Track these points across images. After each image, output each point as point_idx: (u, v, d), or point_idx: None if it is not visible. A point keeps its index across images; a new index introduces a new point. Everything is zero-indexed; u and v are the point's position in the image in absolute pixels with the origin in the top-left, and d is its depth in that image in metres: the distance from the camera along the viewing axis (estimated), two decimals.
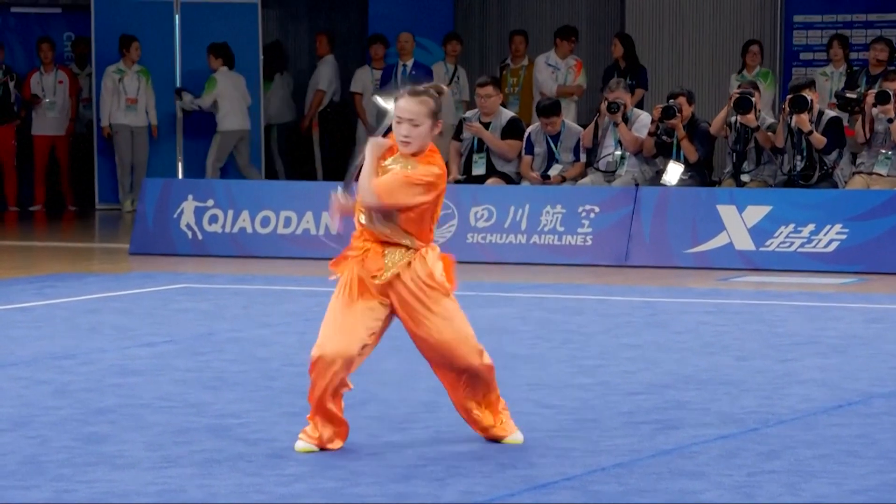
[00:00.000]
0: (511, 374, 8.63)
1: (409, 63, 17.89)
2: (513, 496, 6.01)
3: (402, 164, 6.57)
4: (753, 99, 14.24)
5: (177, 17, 19.76)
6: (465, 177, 15.18)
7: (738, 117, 14.28)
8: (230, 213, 15.09)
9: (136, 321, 10.65)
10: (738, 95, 14.27)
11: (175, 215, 15.17)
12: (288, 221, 15.01)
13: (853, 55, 17.41)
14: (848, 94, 14.73)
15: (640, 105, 15.55)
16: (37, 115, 19.65)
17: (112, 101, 18.99)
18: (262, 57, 19.52)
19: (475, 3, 20.17)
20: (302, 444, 6.68)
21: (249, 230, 15.06)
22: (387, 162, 6.61)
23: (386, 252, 6.62)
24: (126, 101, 19.05)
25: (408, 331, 6.76)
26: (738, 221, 13.69)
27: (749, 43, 17.46)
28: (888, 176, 14.10)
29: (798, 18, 18.57)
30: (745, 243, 13.63)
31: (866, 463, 6.52)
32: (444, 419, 7.44)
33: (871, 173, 14.15)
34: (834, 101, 15.38)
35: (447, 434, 7.10)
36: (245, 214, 15.05)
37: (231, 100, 18.83)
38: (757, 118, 14.27)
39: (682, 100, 14.52)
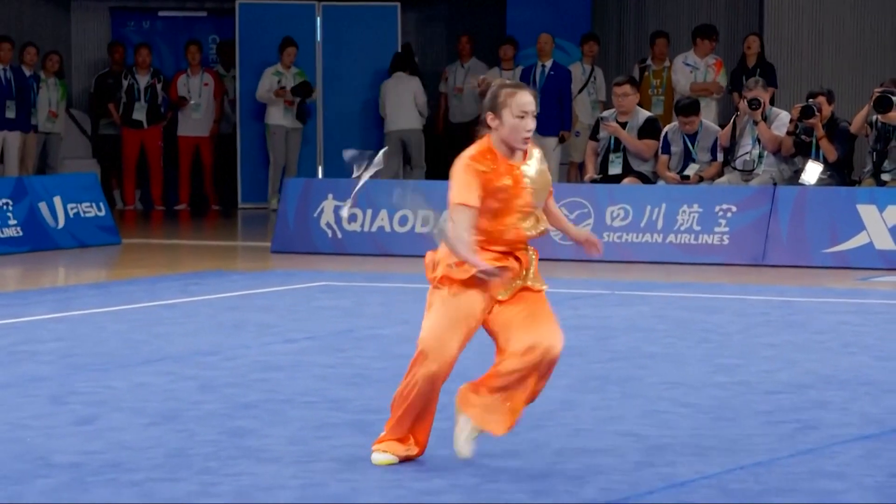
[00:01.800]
0: (648, 373, 8.58)
1: (548, 64, 17.86)
2: (651, 494, 5.97)
3: (541, 162, 6.46)
4: (894, 97, 13.98)
5: (318, 19, 19.93)
6: (601, 176, 15.11)
7: (879, 116, 14.04)
8: (369, 212, 15.18)
9: (277, 318, 10.75)
10: (878, 94, 14.02)
11: (315, 214, 15.30)
12: (425, 221, 15.05)
13: None
14: None
15: (771, 103, 15.35)
16: (183, 117, 19.93)
17: (270, 102, 19.22)
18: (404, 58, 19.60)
19: (612, 4, 20.07)
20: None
21: (388, 229, 15.14)
22: (530, 163, 6.41)
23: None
24: (284, 102, 19.26)
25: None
26: (878, 221, 13.46)
27: None
28: None
29: None
30: (885, 243, 13.39)
31: None
32: (581, 417, 7.40)
33: None
34: None
35: (585, 432, 7.07)
36: (384, 213, 15.14)
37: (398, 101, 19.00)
38: None
39: (821, 99, 14.32)
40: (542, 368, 6.30)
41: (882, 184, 14.06)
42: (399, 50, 19.64)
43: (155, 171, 19.98)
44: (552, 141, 17.54)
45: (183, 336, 9.95)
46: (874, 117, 14.12)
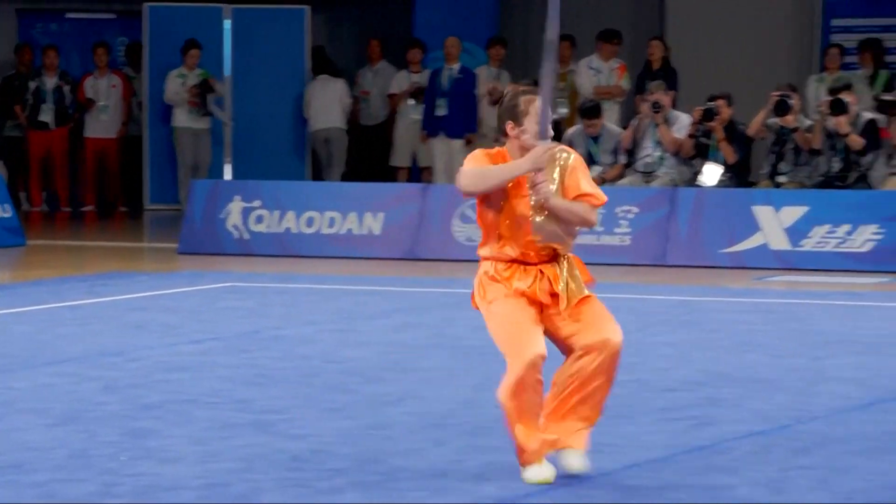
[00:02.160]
0: (549, 371, 8.63)
1: (455, 67, 17.91)
2: (549, 491, 6.01)
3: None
4: (791, 101, 14.19)
5: (227, 22, 19.84)
6: None
7: (777, 119, 14.23)
8: (276, 213, 15.16)
9: (183, 319, 10.71)
10: (777, 98, 14.21)
11: (222, 216, 15.24)
12: (332, 222, 15.06)
13: (892, 59, 17.30)
14: (885, 97, 14.66)
15: (673, 107, 15.51)
16: (90, 119, 19.77)
17: (176, 105, 19.10)
18: (308, 61, 19.57)
19: (518, 8, 20.16)
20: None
21: (294, 230, 15.12)
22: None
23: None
24: (188, 104, 19.14)
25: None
26: (774, 222, 13.64)
27: (829, 46, 17.37)
28: None
29: (836, 22, 18.46)
30: (780, 243, 13.58)
31: None
32: (483, 416, 7.45)
33: None
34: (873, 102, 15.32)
35: (486, 430, 7.11)
36: (290, 215, 15.12)
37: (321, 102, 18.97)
38: (795, 119, 14.23)
39: (720, 102, 14.48)
40: (605, 364, 6.09)
41: (778, 185, 14.25)
42: (311, 52, 19.61)
43: (61, 172, 19.80)
44: (459, 143, 17.60)
45: (87, 337, 9.88)
46: (772, 120, 14.32)
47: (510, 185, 6.11)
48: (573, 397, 6.14)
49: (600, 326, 6.17)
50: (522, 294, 6.15)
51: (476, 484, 6.12)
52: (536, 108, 6.08)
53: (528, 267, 6.19)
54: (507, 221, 6.16)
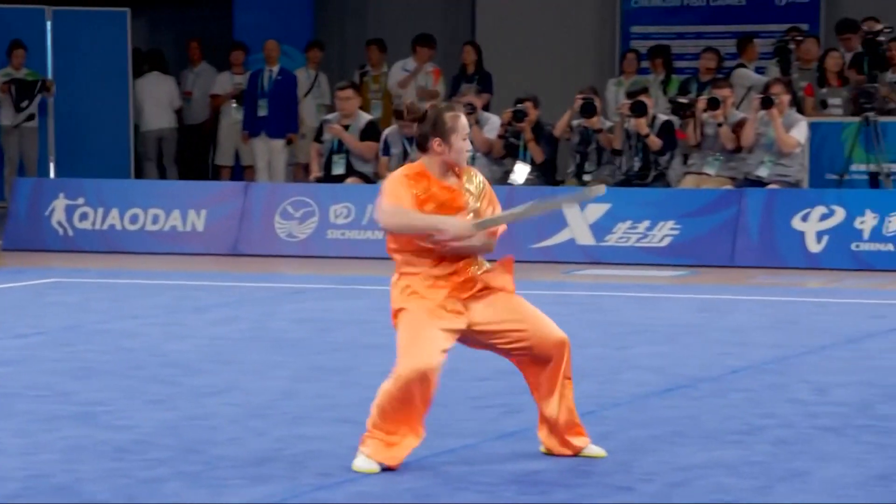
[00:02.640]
0: (367, 363, 8.65)
1: (275, 69, 17.79)
2: (366, 478, 6.01)
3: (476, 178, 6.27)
4: (596, 103, 14.40)
5: (48, 24, 19.43)
6: (323, 174, 15.15)
7: (583, 121, 14.42)
8: (100, 210, 14.93)
9: (6, 314, 10.47)
10: (582, 100, 14.39)
11: (47, 213, 14.95)
12: (156, 219, 14.88)
13: (685, 64, 17.66)
14: (680, 100, 14.95)
15: (486, 109, 15.62)
16: None
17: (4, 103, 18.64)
18: (131, 62, 19.27)
19: (334, 12, 20.12)
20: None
21: (119, 227, 14.90)
22: (471, 179, 6.18)
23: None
24: (11, 105, 18.66)
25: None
26: (580, 218, 13.84)
27: (627, 52, 17.66)
28: (717, 176, 14.33)
29: (635, 29, 18.80)
30: (586, 238, 13.78)
31: (693, 442, 6.63)
32: (302, 405, 7.41)
33: (700, 173, 14.37)
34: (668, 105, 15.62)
35: (305, 419, 7.08)
36: (115, 212, 14.90)
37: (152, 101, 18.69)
38: (599, 121, 14.44)
39: (528, 104, 14.62)
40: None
41: (584, 184, 14.44)
42: (132, 53, 19.32)
43: None
44: (279, 143, 17.51)
45: None
46: (577, 121, 14.50)
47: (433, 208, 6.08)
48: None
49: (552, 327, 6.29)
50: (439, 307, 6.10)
51: (295, 471, 6.09)
52: (463, 125, 6.07)
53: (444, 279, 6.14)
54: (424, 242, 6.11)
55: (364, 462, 6.06)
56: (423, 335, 6.04)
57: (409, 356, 6.02)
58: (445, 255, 6.16)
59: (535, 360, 6.30)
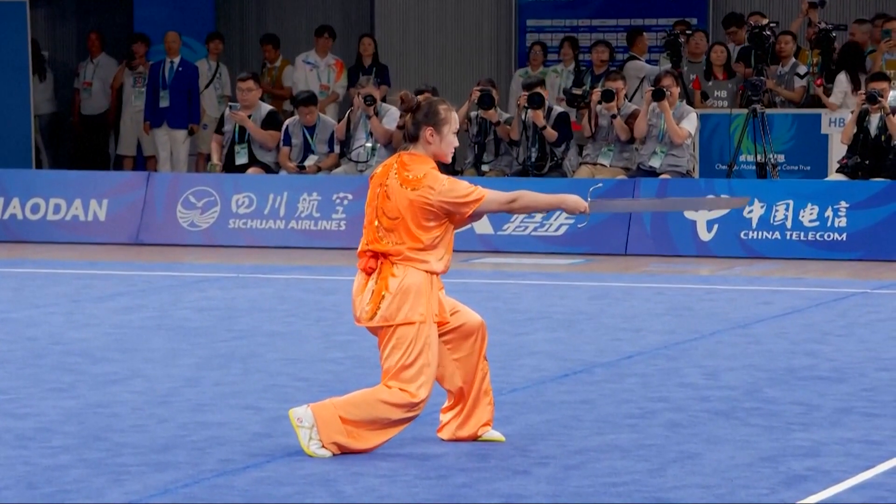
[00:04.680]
0: (269, 350, 8.61)
1: (176, 60, 17.63)
2: (268, 463, 6.00)
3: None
4: (494, 95, 14.43)
5: None
6: (222, 163, 15.06)
7: (480, 112, 14.45)
8: (1, 200, 14.72)
9: None
10: (479, 92, 14.42)
11: None
12: (58, 208, 14.70)
13: (580, 56, 17.77)
14: (575, 91, 15.03)
15: (383, 100, 15.61)
16: None
17: None
18: (31, 53, 18.99)
19: (234, 4, 19.99)
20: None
21: (20, 216, 14.70)
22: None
23: None
24: None
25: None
26: None
27: (533, 44, 17.72)
28: (611, 166, 14.43)
29: (531, 22, 18.88)
30: (484, 228, 13.82)
31: (588, 425, 6.69)
32: (205, 393, 7.37)
33: (595, 163, 14.47)
34: (563, 96, 15.70)
35: (208, 406, 7.04)
36: (16, 202, 14.70)
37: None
38: (496, 113, 14.47)
39: (427, 96, 14.60)
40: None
41: (482, 174, 14.48)
42: (30, 44, 19.04)
43: None
44: (182, 133, 17.36)
45: None
46: (474, 113, 14.53)
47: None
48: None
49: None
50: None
51: (198, 458, 6.05)
52: (455, 119, 6.20)
53: None
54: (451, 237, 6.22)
55: (324, 453, 6.02)
56: (435, 362, 6.12)
57: (429, 384, 6.09)
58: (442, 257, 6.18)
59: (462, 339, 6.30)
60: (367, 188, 6.44)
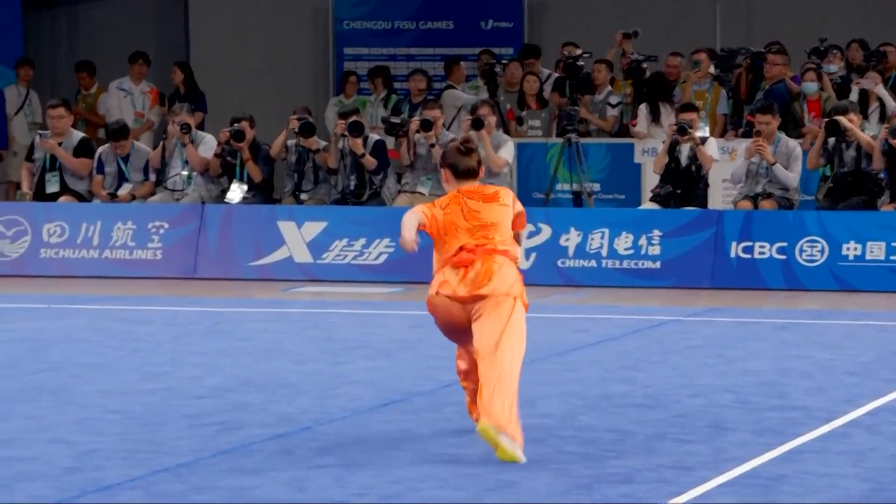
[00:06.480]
0: (81, 382, 8.44)
1: None
2: (79, 497, 5.86)
3: None
4: (312, 122, 14.41)
5: None
6: (32, 191, 14.74)
7: (299, 140, 14.40)
8: None
9: None
10: (298, 121, 14.34)
11: None
12: None
13: (398, 85, 17.84)
14: (393, 120, 15.07)
15: (200, 128, 15.46)
16: None
17: None
18: None
19: (45, 30, 19.63)
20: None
21: None
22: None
23: None
24: None
25: None
26: (297, 236, 13.81)
27: (348, 74, 17.70)
28: (430, 195, 14.49)
29: (348, 50, 18.92)
30: (304, 256, 13.76)
31: (407, 455, 6.68)
32: (14, 427, 7.17)
33: (414, 192, 14.52)
34: (380, 124, 15.73)
35: (16, 441, 6.85)
36: None
37: None
38: (315, 141, 14.43)
39: (244, 124, 14.51)
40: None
41: (301, 202, 14.43)
42: None
43: None
44: None
45: None
46: (292, 141, 14.48)
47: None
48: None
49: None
50: None
51: (4, 495, 5.88)
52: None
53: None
54: None
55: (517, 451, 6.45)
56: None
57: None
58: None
59: None
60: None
